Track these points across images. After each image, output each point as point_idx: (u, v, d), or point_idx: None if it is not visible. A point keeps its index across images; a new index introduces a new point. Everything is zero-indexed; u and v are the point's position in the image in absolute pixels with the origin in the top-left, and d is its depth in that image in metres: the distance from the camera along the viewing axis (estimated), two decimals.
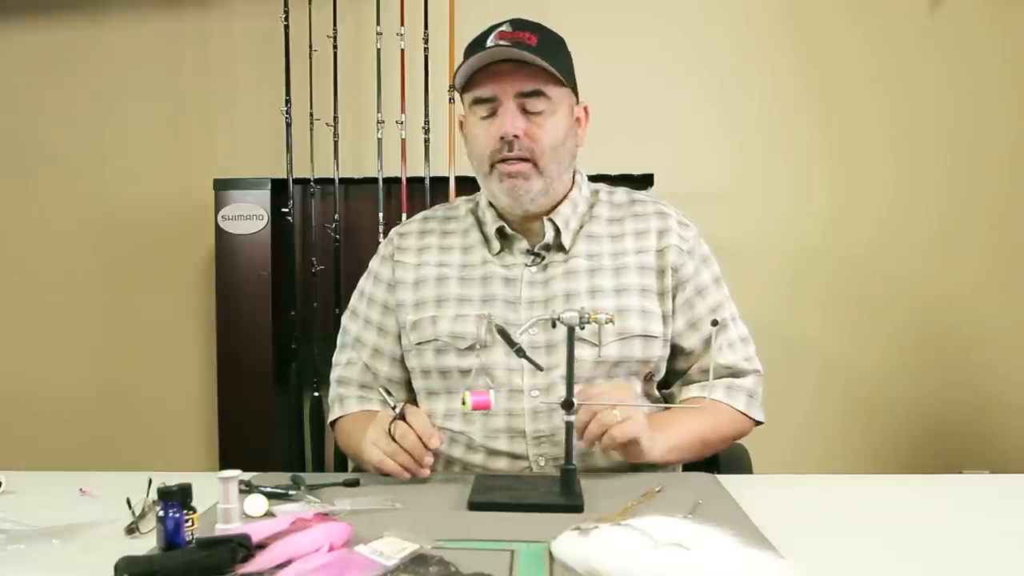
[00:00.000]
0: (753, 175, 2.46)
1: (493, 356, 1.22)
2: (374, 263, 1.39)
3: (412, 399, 1.35)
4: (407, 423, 1.08)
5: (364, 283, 1.39)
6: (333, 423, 1.38)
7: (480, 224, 1.33)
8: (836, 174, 2.45)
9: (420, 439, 1.08)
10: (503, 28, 1.22)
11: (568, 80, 1.24)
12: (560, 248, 1.28)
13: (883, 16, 2.42)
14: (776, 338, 2.35)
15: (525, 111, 1.21)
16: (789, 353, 2.42)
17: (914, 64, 2.42)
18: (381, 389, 1.22)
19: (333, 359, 1.40)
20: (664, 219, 1.31)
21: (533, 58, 1.18)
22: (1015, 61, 2.42)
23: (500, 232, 1.29)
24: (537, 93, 1.21)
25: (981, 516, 0.99)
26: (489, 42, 1.20)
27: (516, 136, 1.20)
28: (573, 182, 1.32)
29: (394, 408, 1.10)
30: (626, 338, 1.23)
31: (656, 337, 1.26)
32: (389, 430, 1.09)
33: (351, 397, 1.35)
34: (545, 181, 1.24)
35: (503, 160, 1.22)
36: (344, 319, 1.40)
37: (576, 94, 1.29)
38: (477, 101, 1.23)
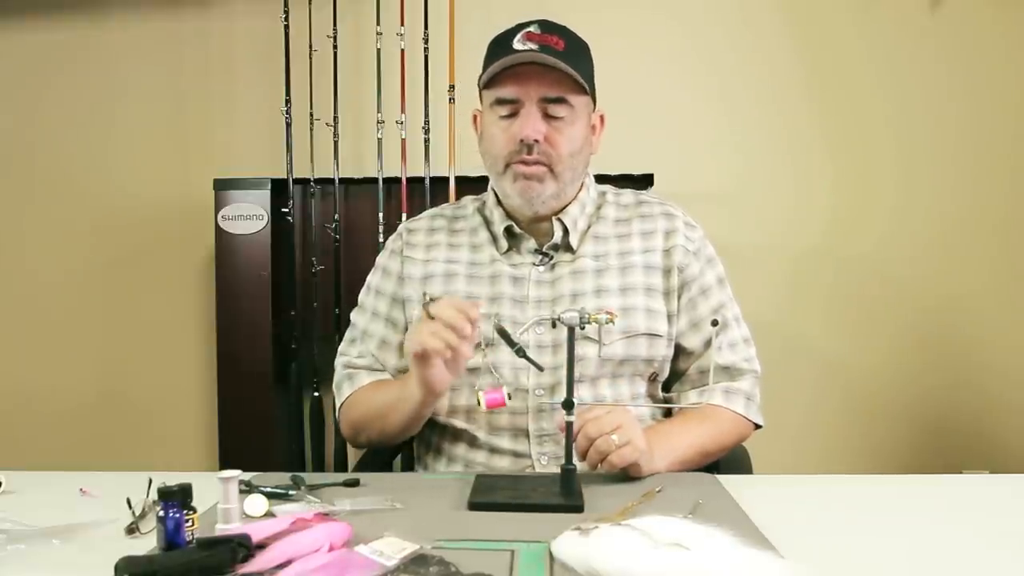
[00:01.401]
0: (753, 175, 2.45)
1: (499, 355, 1.22)
2: (382, 257, 1.39)
3: None
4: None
5: (372, 278, 1.39)
6: (342, 405, 1.34)
7: (488, 223, 1.33)
8: (836, 174, 2.45)
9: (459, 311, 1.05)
10: (531, 29, 1.21)
11: (590, 88, 1.25)
12: (568, 248, 1.29)
13: (883, 16, 2.42)
14: (776, 338, 2.35)
15: (546, 115, 1.21)
16: (789, 353, 2.42)
17: (914, 64, 2.42)
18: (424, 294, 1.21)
19: (340, 350, 1.39)
20: (671, 220, 1.32)
21: (564, 65, 1.18)
22: (1015, 61, 2.42)
23: (508, 231, 1.30)
24: (561, 100, 1.21)
25: (981, 516, 0.99)
26: (516, 43, 1.20)
27: (536, 140, 1.20)
28: (582, 184, 1.33)
29: (425, 294, 1.10)
30: (631, 336, 1.24)
31: (660, 336, 1.26)
32: (425, 310, 1.06)
33: (361, 372, 1.33)
34: (558, 186, 1.25)
35: (520, 161, 1.22)
36: (353, 314, 1.40)
37: (595, 101, 1.29)
38: (499, 101, 1.23)
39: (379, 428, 1.26)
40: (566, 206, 1.30)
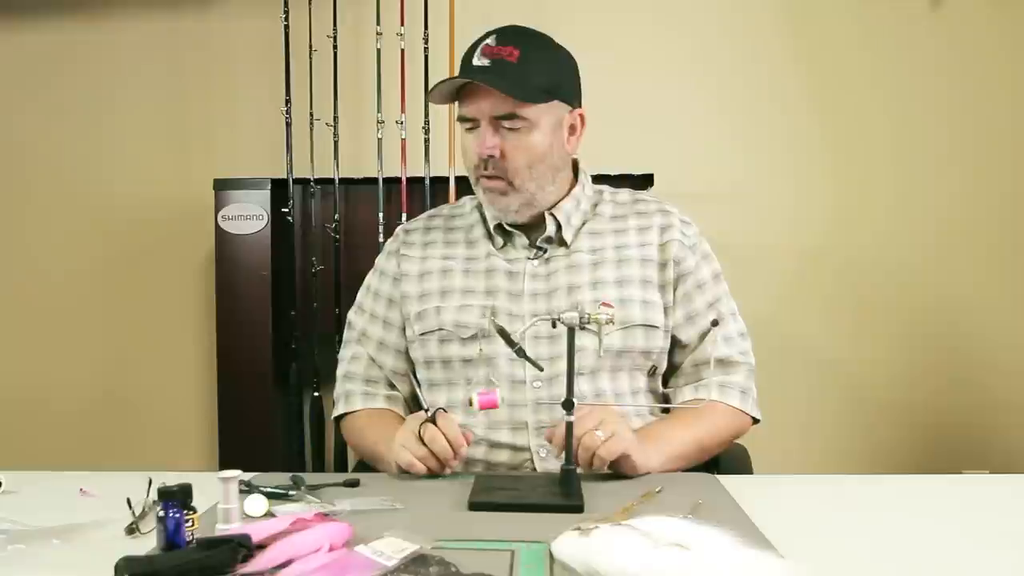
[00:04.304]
0: (753, 175, 2.45)
1: (496, 346, 1.23)
2: (380, 259, 1.42)
3: (415, 393, 1.36)
4: (437, 427, 1.10)
5: (370, 279, 1.42)
6: (339, 419, 1.39)
7: (484, 220, 1.35)
8: (836, 174, 2.45)
9: (450, 444, 1.09)
10: (488, 42, 1.24)
11: (551, 95, 1.25)
12: (561, 242, 1.31)
13: (883, 16, 2.42)
14: (776, 338, 2.34)
15: (502, 128, 1.24)
16: (789, 353, 2.42)
17: (914, 64, 2.42)
18: (415, 385, 1.25)
19: (339, 355, 1.42)
20: (667, 216, 1.34)
21: (501, 87, 1.20)
22: (1015, 61, 2.42)
23: (500, 227, 1.32)
24: (511, 116, 1.23)
25: (981, 516, 0.99)
26: (475, 58, 1.23)
27: (492, 156, 1.24)
28: (576, 180, 1.35)
29: (427, 411, 1.12)
30: (628, 327, 1.25)
31: (657, 327, 1.27)
32: (419, 433, 1.10)
33: (356, 393, 1.36)
34: (523, 196, 1.27)
35: (482, 176, 1.27)
36: (350, 314, 1.42)
37: (571, 101, 1.29)
38: (460, 118, 1.27)
39: (370, 462, 1.31)
40: (559, 201, 1.31)
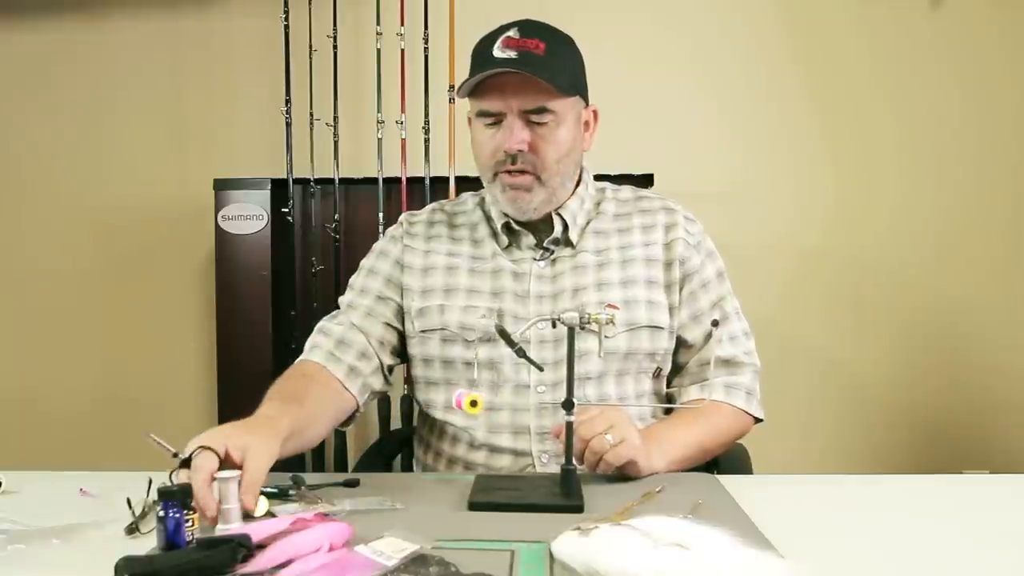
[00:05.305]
0: (754, 175, 2.45)
1: (501, 350, 1.21)
2: (381, 243, 1.38)
3: (394, 366, 1.34)
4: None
5: (367, 260, 1.37)
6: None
7: (488, 219, 1.34)
8: (837, 174, 2.45)
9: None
10: (510, 34, 1.20)
11: (576, 89, 1.24)
12: (568, 243, 1.30)
13: (883, 16, 2.42)
14: (777, 338, 2.34)
15: (530, 123, 1.21)
16: (790, 352, 2.42)
17: (914, 64, 2.42)
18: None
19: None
20: (671, 214, 1.33)
21: (537, 78, 1.17)
22: (1015, 61, 2.42)
23: (507, 227, 1.30)
24: (542, 110, 1.20)
25: (981, 516, 0.99)
26: (496, 50, 1.19)
27: (520, 151, 1.20)
28: (580, 179, 1.33)
29: (176, 455, 0.93)
30: (634, 329, 1.24)
31: (663, 328, 1.26)
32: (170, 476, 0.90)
33: (322, 348, 1.26)
34: (547, 192, 1.25)
35: (505, 171, 1.23)
36: (341, 299, 1.37)
37: (586, 98, 1.29)
38: (482, 112, 1.23)
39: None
40: (565, 201, 1.30)
